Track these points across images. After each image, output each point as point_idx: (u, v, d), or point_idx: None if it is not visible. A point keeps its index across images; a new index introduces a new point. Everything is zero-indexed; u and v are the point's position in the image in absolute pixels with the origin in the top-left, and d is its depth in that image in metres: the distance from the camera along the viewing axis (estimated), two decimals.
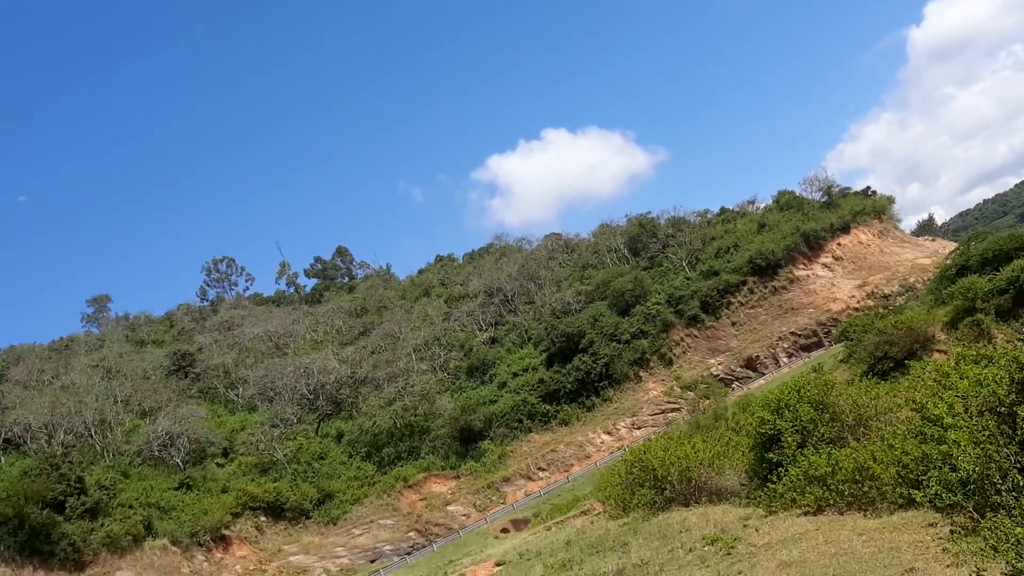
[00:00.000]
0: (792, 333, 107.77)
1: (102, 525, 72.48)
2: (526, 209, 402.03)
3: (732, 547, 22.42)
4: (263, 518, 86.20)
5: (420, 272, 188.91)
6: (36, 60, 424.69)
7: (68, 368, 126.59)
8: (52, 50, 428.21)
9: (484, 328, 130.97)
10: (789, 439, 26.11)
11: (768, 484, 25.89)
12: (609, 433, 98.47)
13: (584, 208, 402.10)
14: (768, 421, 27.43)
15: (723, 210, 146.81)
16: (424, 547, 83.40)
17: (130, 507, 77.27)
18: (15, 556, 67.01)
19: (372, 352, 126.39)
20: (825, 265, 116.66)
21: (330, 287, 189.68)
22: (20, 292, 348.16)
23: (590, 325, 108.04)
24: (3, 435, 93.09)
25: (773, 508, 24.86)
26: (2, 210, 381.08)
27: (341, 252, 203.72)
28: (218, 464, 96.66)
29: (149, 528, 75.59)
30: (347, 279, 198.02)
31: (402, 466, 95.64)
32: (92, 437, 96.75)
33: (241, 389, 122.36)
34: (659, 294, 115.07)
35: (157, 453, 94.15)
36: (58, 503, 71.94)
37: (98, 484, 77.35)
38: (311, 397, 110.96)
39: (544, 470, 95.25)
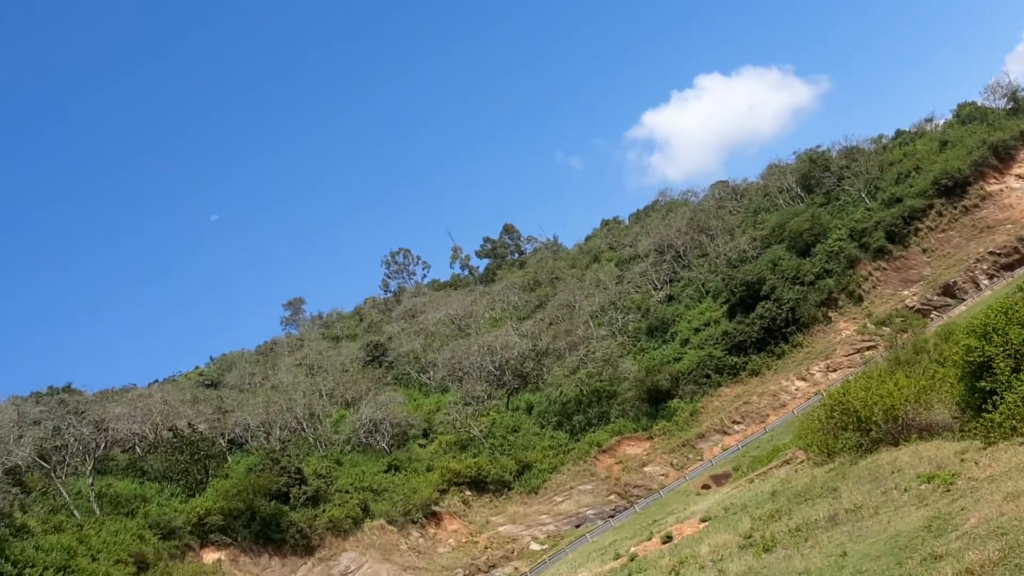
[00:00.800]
0: (991, 253, 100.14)
1: (324, 511, 77.80)
2: (687, 161, 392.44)
3: (951, 483, 21.38)
4: (468, 492, 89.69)
5: (587, 239, 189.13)
6: (211, 83, 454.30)
7: (275, 369, 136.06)
8: (221, 72, 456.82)
9: (659, 287, 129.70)
10: (1001, 365, 24.51)
11: (983, 414, 24.46)
12: (803, 379, 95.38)
13: (748, 152, 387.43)
14: (976, 348, 25.82)
15: (899, 133, 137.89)
16: (626, 509, 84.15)
17: (346, 492, 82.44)
18: (252, 545, 73.11)
19: (550, 324, 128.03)
20: (1019, 176, 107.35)
21: (501, 265, 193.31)
22: (226, 305, 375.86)
23: (770, 270, 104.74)
24: (227, 436, 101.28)
25: (992, 439, 23.48)
26: (198, 231, 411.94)
27: (508, 230, 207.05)
28: (420, 445, 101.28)
29: (366, 510, 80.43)
30: (517, 255, 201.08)
31: (594, 432, 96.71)
32: (304, 430, 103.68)
33: (431, 372, 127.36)
34: (840, 230, 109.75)
35: (364, 439, 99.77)
36: (283, 494, 77.79)
37: (315, 473, 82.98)
38: (497, 373, 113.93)
39: (739, 423, 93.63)
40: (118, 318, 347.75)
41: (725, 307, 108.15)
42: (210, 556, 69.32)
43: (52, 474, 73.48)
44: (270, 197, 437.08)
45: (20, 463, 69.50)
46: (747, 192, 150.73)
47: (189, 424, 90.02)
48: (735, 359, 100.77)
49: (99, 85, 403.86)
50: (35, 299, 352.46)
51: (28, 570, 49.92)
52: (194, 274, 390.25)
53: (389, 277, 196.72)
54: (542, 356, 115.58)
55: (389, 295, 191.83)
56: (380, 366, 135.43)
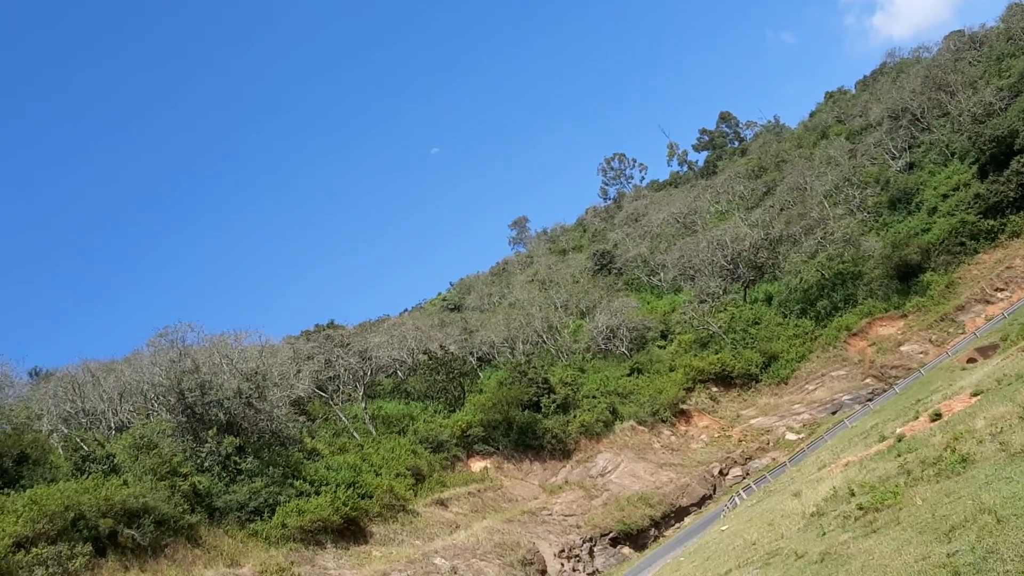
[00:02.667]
0: None
1: (575, 416, 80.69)
2: (914, 16, 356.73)
3: None
4: (714, 388, 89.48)
5: (811, 115, 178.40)
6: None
7: (509, 287, 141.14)
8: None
9: (897, 155, 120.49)
10: None
11: None
12: None
13: None
14: None
15: None
16: (884, 392, 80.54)
17: (593, 397, 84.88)
18: (512, 452, 77.38)
19: (781, 209, 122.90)
20: None
21: (721, 156, 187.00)
22: (458, 232, 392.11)
23: (1022, 121, 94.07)
24: (475, 354, 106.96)
25: None
26: (420, 164, 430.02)
27: (724, 118, 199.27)
28: (659, 346, 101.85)
29: (614, 413, 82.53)
30: (737, 143, 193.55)
31: (841, 316, 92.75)
32: (545, 342, 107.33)
33: (661, 274, 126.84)
34: None
35: (603, 346, 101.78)
36: (534, 403, 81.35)
37: (561, 382, 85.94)
38: (730, 267, 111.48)
39: (1002, 290, 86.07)
40: (366, 256, 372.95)
41: (975, 168, 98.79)
42: (477, 464, 74.22)
43: (330, 402, 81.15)
44: (482, 123, 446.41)
45: (302, 395, 77.09)
46: (987, 39, 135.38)
47: (440, 346, 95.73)
48: (991, 222, 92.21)
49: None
50: (296, 247, 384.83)
51: (323, 488, 55.80)
52: (427, 207, 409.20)
53: (607, 184, 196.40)
54: (776, 244, 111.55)
55: (609, 202, 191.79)
56: (609, 273, 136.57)
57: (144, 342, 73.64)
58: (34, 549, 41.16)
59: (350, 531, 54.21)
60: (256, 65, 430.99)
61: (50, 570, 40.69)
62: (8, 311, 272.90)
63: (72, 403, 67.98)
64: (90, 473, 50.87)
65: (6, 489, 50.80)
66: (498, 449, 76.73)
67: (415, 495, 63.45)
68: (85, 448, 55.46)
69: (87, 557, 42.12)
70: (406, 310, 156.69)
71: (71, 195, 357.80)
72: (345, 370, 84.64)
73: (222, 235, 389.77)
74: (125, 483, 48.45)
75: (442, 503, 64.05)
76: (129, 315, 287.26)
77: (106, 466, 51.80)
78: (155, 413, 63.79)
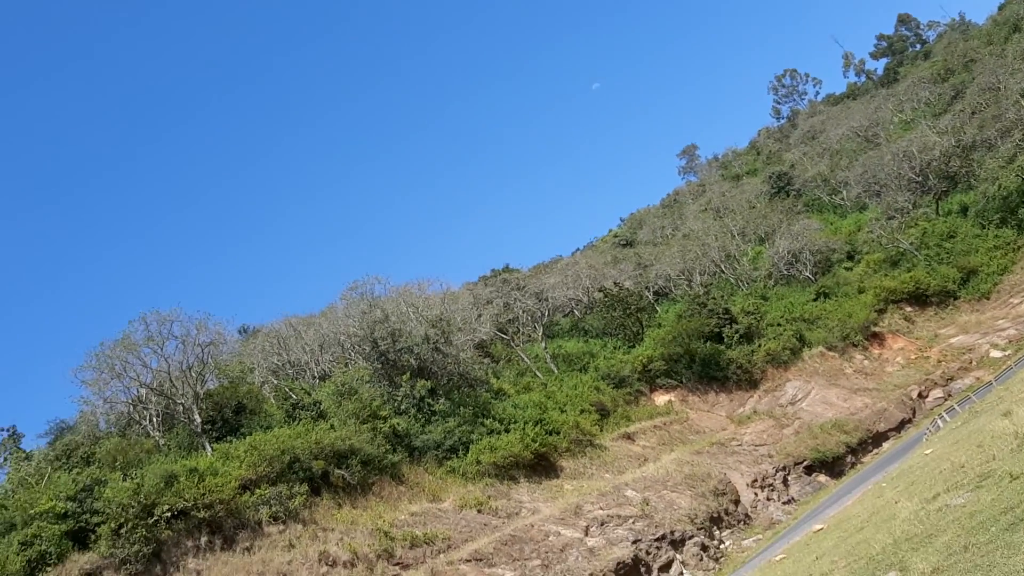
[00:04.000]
0: None
1: (759, 345, 78.78)
2: None
3: None
4: (908, 308, 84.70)
5: (1001, 8, 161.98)
6: None
7: (682, 218, 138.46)
8: None
9: None
10: None
11: None
12: None
13: None
14: None
15: None
16: None
17: (778, 325, 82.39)
18: (696, 384, 76.75)
19: (972, 113, 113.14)
20: None
21: (902, 62, 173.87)
22: (626, 165, 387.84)
23: None
24: (651, 289, 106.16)
25: None
26: (582, 101, 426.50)
27: (904, 20, 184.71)
28: (846, 268, 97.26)
29: (801, 340, 79.86)
30: (919, 46, 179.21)
31: None
32: (723, 272, 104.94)
33: (843, 192, 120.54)
34: None
35: (785, 272, 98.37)
36: (715, 334, 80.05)
37: (743, 311, 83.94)
38: (919, 179, 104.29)
39: None
40: (534, 199, 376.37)
41: None
42: (661, 398, 74.19)
43: (511, 343, 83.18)
44: (642, 55, 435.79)
45: (484, 338, 79.50)
46: None
47: (615, 283, 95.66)
48: None
49: None
50: (468, 194, 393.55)
51: (512, 425, 57.64)
52: (592, 144, 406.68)
53: (779, 103, 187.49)
54: (969, 151, 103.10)
55: (782, 121, 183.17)
56: (787, 196, 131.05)
57: (338, 296, 77.99)
58: (258, 490, 45.08)
59: (541, 466, 55.83)
60: None
61: (273, 508, 44.48)
62: (218, 274, 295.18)
63: (278, 356, 73.26)
64: (300, 419, 54.84)
65: (228, 437, 55.70)
66: (681, 382, 76.29)
67: (601, 430, 64.34)
68: (294, 396, 59.71)
69: (304, 496, 45.71)
70: (578, 249, 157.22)
71: (269, 167, 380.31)
72: (523, 312, 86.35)
73: (400, 188, 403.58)
74: (332, 427, 51.98)
75: (628, 437, 64.64)
76: (323, 272, 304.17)
77: (313, 412, 55.65)
78: (352, 362, 67.72)
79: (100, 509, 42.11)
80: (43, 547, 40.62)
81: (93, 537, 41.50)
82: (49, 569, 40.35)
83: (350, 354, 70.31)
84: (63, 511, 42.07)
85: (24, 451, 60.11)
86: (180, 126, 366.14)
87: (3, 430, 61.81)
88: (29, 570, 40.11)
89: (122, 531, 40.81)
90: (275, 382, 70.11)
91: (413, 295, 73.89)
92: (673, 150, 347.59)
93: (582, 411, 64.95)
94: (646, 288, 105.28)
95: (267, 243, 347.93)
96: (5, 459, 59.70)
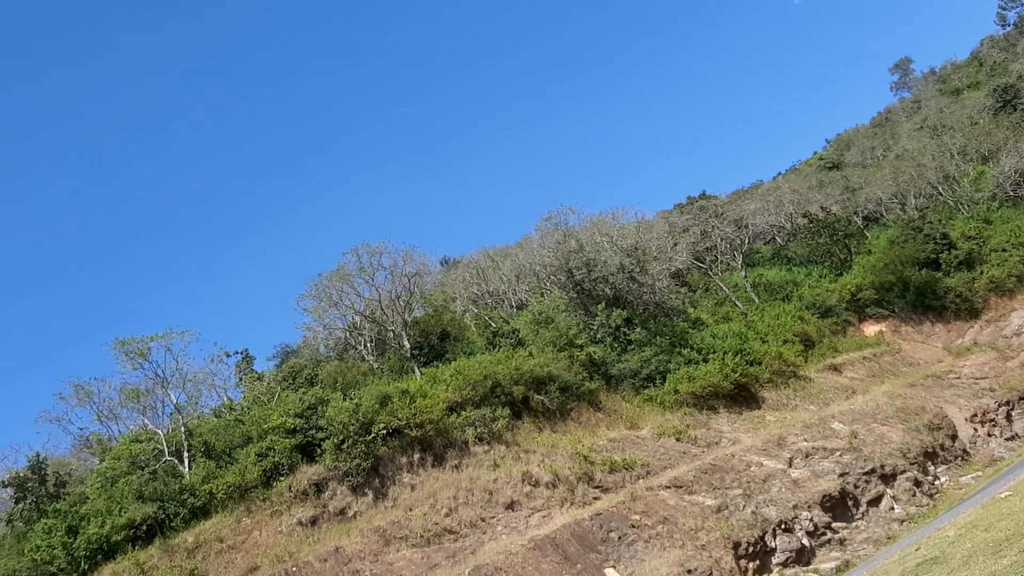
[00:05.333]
0: None
1: (981, 273, 72.99)
2: None
3: None
4: None
5: None
6: None
7: (895, 138, 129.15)
8: None
9: None
10: None
11: None
12: None
13: None
14: None
15: None
16: None
17: (1003, 251, 75.77)
18: (910, 314, 72.41)
19: None
20: None
21: None
22: (831, 83, 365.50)
23: None
24: (860, 214, 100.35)
25: None
26: (784, 17, 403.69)
27: None
28: None
29: None
30: None
31: None
32: (940, 194, 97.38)
33: None
34: None
35: (1011, 193, 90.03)
36: (931, 261, 74.85)
37: (963, 236, 77.80)
38: None
39: None
40: (732, 122, 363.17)
41: None
42: (870, 328, 70.64)
43: (708, 272, 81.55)
44: None
45: (680, 267, 78.30)
46: None
47: (821, 208, 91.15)
48: None
49: None
50: (660, 118, 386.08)
51: (711, 355, 56.81)
52: (793, 62, 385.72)
53: (1004, 8, 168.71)
54: None
55: (1009, 28, 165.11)
56: (1015, 110, 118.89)
57: (533, 227, 79.19)
58: (463, 412, 47.27)
59: (741, 397, 54.89)
60: None
61: (478, 430, 46.54)
62: (420, 207, 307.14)
63: (478, 285, 75.70)
64: (500, 347, 56.68)
65: (434, 362, 58.53)
66: (893, 312, 72.20)
67: (805, 361, 62.18)
68: (493, 325, 61.67)
69: (506, 419, 47.45)
70: (780, 173, 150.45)
71: (469, 100, 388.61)
72: (721, 240, 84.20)
73: (588, 116, 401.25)
74: (530, 354, 53.37)
75: (835, 368, 62.15)
76: (519, 203, 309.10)
77: (512, 340, 57.31)
78: (548, 291, 68.87)
79: (323, 426, 45.68)
80: (276, 459, 44.68)
81: (318, 451, 45.18)
82: (282, 479, 44.41)
83: (546, 284, 71.46)
84: (292, 427, 45.97)
85: (256, 372, 65.92)
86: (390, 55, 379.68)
87: (237, 353, 67.99)
88: (265, 479, 44.33)
89: (344, 446, 44.13)
90: (475, 311, 72.58)
91: (607, 224, 73.73)
92: (884, 65, 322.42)
93: (785, 342, 62.97)
94: (854, 213, 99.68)
95: (466, 175, 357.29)
96: (240, 379, 65.77)
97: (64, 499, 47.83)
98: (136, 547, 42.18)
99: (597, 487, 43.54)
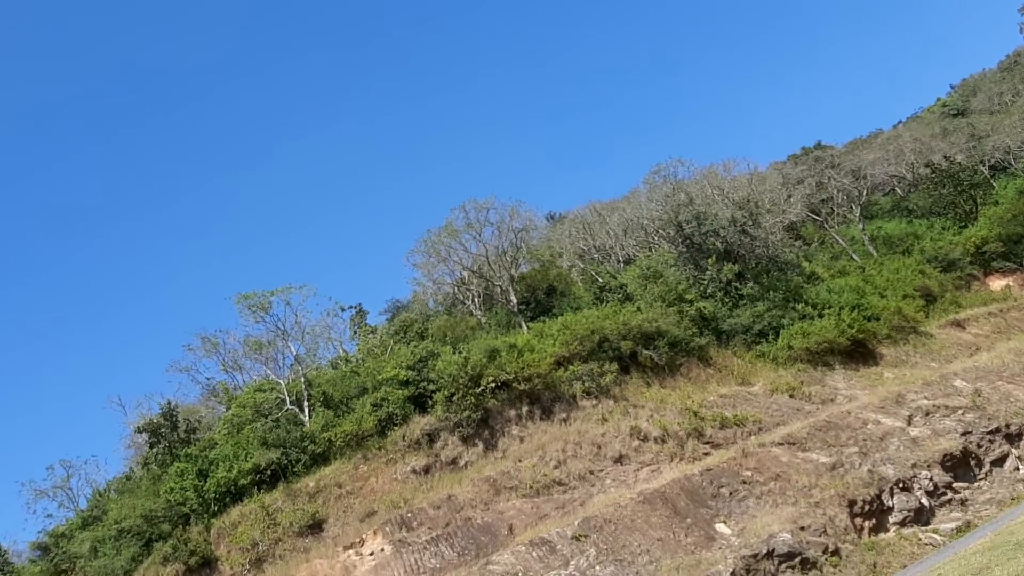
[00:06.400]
0: None
1: None
2: None
3: None
4: None
5: None
6: None
7: None
8: None
9: None
10: None
11: None
12: None
13: None
14: None
15: None
16: None
17: None
18: None
19: None
20: None
21: None
22: (957, 25, 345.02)
23: None
24: (987, 163, 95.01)
25: None
26: None
27: None
28: None
29: None
30: None
31: None
32: None
33: None
34: None
35: None
36: None
37: None
38: None
39: None
40: (850, 68, 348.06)
41: None
42: (997, 283, 67.40)
43: (824, 225, 78.99)
44: None
45: (794, 219, 76.09)
46: None
47: (944, 157, 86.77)
48: None
49: None
50: (771, 69, 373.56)
51: (826, 310, 55.22)
52: (915, 3, 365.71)
53: None
54: None
55: None
56: None
57: (640, 180, 78.22)
58: (571, 367, 47.56)
59: (858, 353, 53.31)
60: None
61: (586, 384, 46.77)
62: (527, 163, 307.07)
63: (584, 240, 75.41)
64: (607, 301, 56.55)
65: (541, 317, 58.88)
66: (1021, 265, 68.52)
67: (926, 316, 59.82)
68: (600, 280, 61.52)
69: (614, 374, 47.51)
70: (900, 121, 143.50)
71: (578, 57, 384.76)
72: (838, 191, 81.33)
73: (697, 67, 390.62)
74: (638, 310, 53.06)
75: (958, 324, 59.58)
76: (625, 156, 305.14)
77: (620, 295, 57.06)
78: (656, 245, 68.05)
79: (434, 378, 46.80)
80: (390, 409, 46.10)
81: (430, 402, 46.36)
82: (396, 428, 45.85)
83: (654, 238, 70.60)
84: (404, 379, 47.26)
85: (369, 326, 67.83)
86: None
87: (351, 307, 70.07)
88: (380, 428, 45.85)
89: (454, 398, 45.13)
90: (581, 266, 72.40)
91: (718, 176, 72.08)
92: (1013, 5, 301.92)
93: (904, 296, 60.64)
94: (980, 162, 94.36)
95: (573, 130, 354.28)
96: (355, 332, 67.83)
97: (194, 444, 50.71)
98: (261, 490, 44.49)
99: (707, 443, 43.25)
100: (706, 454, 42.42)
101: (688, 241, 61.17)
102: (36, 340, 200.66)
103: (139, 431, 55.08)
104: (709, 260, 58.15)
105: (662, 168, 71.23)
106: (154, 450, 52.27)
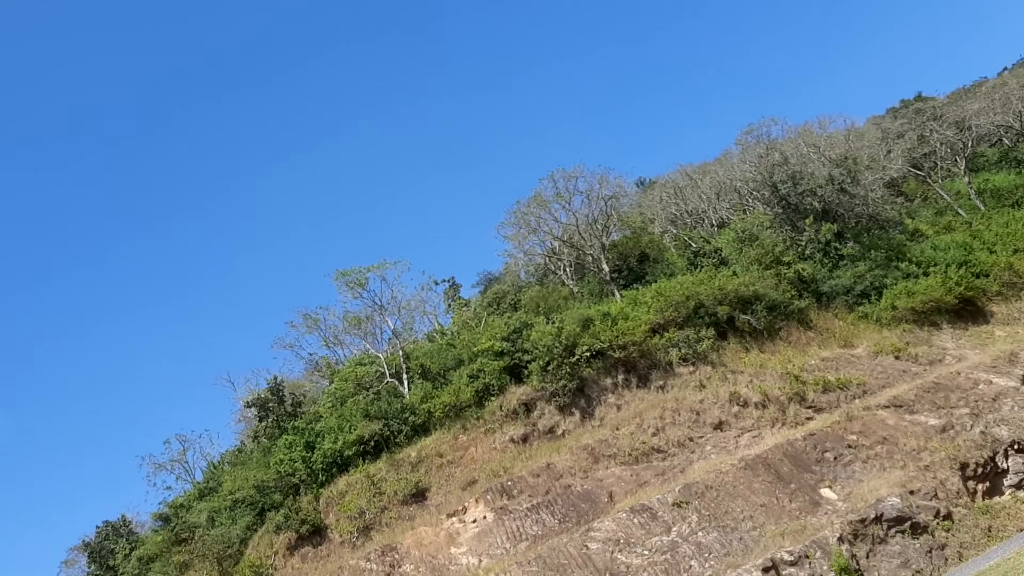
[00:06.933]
0: None
1: None
2: None
3: None
4: None
5: None
6: None
7: None
8: None
9: None
10: None
11: None
12: None
13: None
14: None
15: None
16: None
17: None
18: None
19: None
20: None
21: None
22: None
23: None
24: None
25: None
26: None
27: None
28: None
29: None
30: None
31: None
32: None
33: None
34: None
35: None
36: None
37: None
38: None
39: None
40: (950, 13, 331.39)
41: None
42: None
43: (927, 180, 75.86)
44: None
45: (895, 175, 73.29)
46: None
47: None
48: None
49: None
50: (869, 19, 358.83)
51: (931, 268, 53.17)
52: None
53: None
54: None
55: None
56: None
57: (732, 141, 76.57)
58: (666, 334, 47.20)
59: (967, 311, 51.24)
60: None
61: (682, 351, 46.38)
62: (614, 130, 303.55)
63: (676, 205, 74.43)
64: (701, 267, 55.78)
65: (634, 284, 58.52)
66: None
67: None
68: (693, 245, 60.65)
69: (711, 340, 46.93)
70: (1006, 68, 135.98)
71: (656, 25, 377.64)
72: (941, 144, 77.77)
73: (789, 20, 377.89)
74: (734, 274, 52.20)
75: None
76: (715, 116, 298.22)
77: (715, 259, 56.21)
78: (750, 208, 66.71)
79: (529, 349, 47.18)
80: (487, 380, 46.75)
81: (525, 373, 46.81)
82: (493, 398, 46.49)
83: (748, 200, 69.17)
84: (500, 350, 47.79)
85: (463, 299, 68.71)
86: None
87: (445, 281, 71.08)
88: (477, 398, 46.59)
89: (549, 368, 45.42)
90: (674, 231, 71.53)
91: (813, 134, 70.01)
92: None
93: (1016, 251, 57.72)
94: None
95: (660, 93, 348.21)
96: (449, 305, 68.84)
97: (300, 417, 52.51)
98: (365, 461, 45.85)
99: (810, 407, 42.42)
100: (809, 419, 41.64)
101: (784, 202, 59.62)
102: (149, 322, 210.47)
103: (248, 406, 57.35)
104: (806, 221, 56.61)
105: (755, 128, 69.70)
106: (263, 423, 54.37)
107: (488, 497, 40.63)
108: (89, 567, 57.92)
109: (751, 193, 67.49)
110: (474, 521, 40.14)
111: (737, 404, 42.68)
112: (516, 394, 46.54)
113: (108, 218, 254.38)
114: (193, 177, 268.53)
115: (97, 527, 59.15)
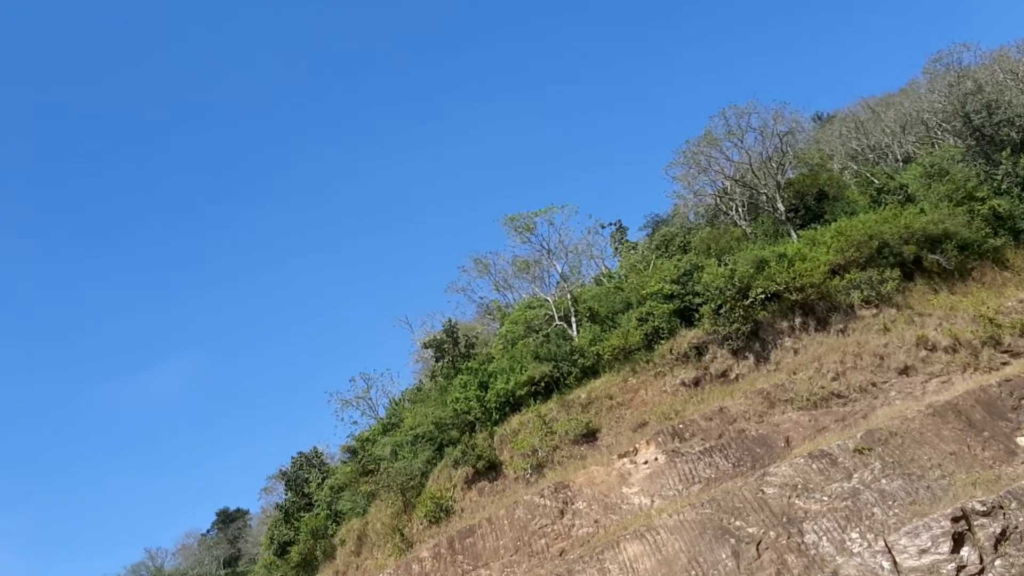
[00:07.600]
0: None
1: None
2: None
3: None
4: None
5: None
6: None
7: None
8: None
9: None
10: None
11: None
12: None
13: None
14: None
15: None
16: None
17: None
18: None
19: None
20: None
21: None
22: None
23: None
24: None
25: None
26: None
27: None
28: None
29: None
30: None
31: None
32: None
33: None
34: None
35: None
36: None
37: None
38: None
39: None
40: None
41: None
42: None
43: None
44: None
45: None
46: None
47: None
48: None
49: None
50: None
51: None
52: None
53: None
54: None
55: None
56: None
57: (918, 70, 71.45)
58: (847, 275, 45.14)
59: None
60: None
61: (864, 293, 44.26)
62: (788, 61, 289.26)
63: (856, 140, 70.47)
64: (885, 204, 52.71)
65: (812, 224, 56.12)
66: None
67: None
68: (876, 181, 57.39)
69: (896, 281, 44.50)
70: None
71: None
72: None
73: None
74: (922, 211, 49.09)
75: None
76: (897, 45, 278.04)
77: (900, 196, 52.99)
78: (939, 141, 62.35)
79: (700, 291, 46.46)
80: (656, 323, 46.50)
81: (696, 316, 46.17)
82: (662, 342, 46.25)
83: (936, 133, 64.54)
84: (669, 293, 47.32)
85: (630, 242, 68.23)
86: None
87: (611, 224, 70.79)
88: (647, 342, 46.48)
89: (721, 311, 44.61)
90: (855, 168, 67.80)
91: (1011, 60, 64.06)
92: None
93: None
94: None
95: (837, 23, 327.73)
96: (616, 249, 68.63)
97: (473, 358, 54.24)
98: (536, 401, 46.93)
99: (1006, 351, 39.70)
100: (1004, 364, 39.02)
101: (977, 133, 55.20)
102: (338, 269, 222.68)
103: (425, 347, 59.77)
104: (1003, 153, 52.26)
105: (944, 55, 64.58)
106: (439, 364, 56.55)
107: (659, 439, 40.71)
108: (286, 494, 62.61)
109: (940, 125, 62.90)
110: (645, 462, 40.37)
111: (924, 348, 40.48)
112: (687, 337, 46.05)
113: (319, 163, 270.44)
114: (392, 132, 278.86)
115: (292, 457, 63.69)
